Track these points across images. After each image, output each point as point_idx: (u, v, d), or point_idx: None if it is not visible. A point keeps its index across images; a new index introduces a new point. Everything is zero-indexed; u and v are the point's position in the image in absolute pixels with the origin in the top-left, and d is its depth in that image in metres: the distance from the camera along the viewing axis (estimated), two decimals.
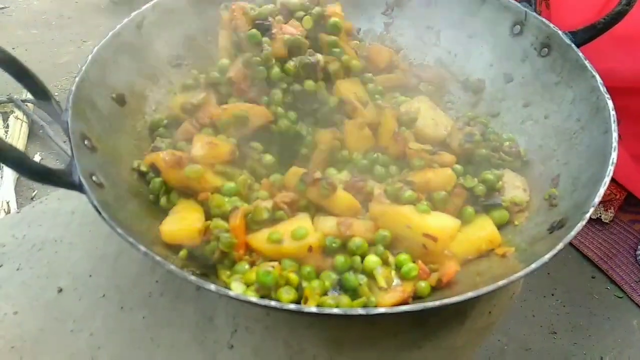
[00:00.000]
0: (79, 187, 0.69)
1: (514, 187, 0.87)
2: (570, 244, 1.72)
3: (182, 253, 0.75)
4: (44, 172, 0.65)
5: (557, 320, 1.65)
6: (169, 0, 1.03)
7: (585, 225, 1.73)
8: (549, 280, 1.72)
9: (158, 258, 0.62)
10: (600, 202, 1.71)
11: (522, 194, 0.87)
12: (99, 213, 0.66)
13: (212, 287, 0.60)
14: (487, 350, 1.55)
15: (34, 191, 1.97)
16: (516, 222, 0.85)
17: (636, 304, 1.67)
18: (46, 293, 0.92)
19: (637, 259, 1.72)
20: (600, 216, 1.79)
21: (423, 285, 0.71)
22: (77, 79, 0.83)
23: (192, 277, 0.61)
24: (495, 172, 0.88)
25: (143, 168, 0.86)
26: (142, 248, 0.63)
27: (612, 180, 1.67)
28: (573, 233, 0.66)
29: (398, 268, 0.73)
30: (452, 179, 0.84)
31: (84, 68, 0.85)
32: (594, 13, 0.93)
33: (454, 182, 0.84)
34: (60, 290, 0.92)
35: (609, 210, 1.78)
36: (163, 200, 0.83)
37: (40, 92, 0.75)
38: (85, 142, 0.78)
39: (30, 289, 0.92)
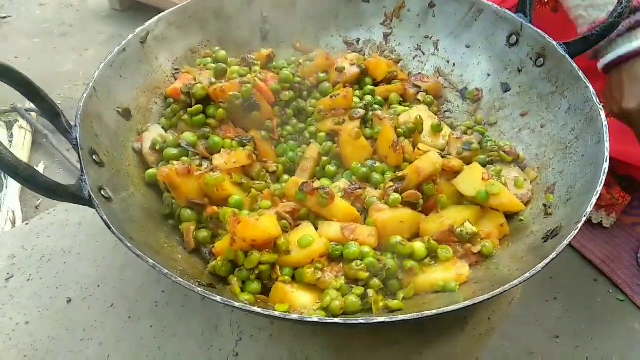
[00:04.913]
0: (88, 202, 0.72)
1: (513, 178, 0.91)
2: (573, 248, 1.75)
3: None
4: (55, 188, 0.68)
5: (559, 324, 1.66)
6: (172, 15, 1.06)
7: (587, 229, 1.73)
8: (552, 285, 1.73)
9: (165, 270, 0.64)
10: (603, 207, 1.73)
11: (523, 181, 0.91)
12: (109, 227, 0.68)
13: (218, 298, 0.62)
14: (491, 355, 1.57)
15: (38, 200, 2.00)
16: (521, 217, 0.88)
17: (638, 306, 1.68)
18: (56, 303, 0.94)
19: (639, 261, 1.73)
20: (601, 221, 1.80)
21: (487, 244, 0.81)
22: (84, 95, 0.85)
23: (199, 289, 0.63)
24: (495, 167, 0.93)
25: (137, 146, 0.92)
26: (150, 261, 0.65)
27: (617, 184, 1.65)
28: (566, 242, 0.68)
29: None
30: (438, 160, 0.87)
31: (91, 84, 0.87)
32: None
33: (440, 163, 0.87)
34: (69, 301, 0.94)
35: (610, 215, 1.78)
36: (184, 214, 0.86)
37: (49, 110, 0.78)
38: (94, 157, 0.81)
39: (41, 299, 0.95)
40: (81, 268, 0.99)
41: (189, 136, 0.92)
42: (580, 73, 0.90)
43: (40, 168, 2.11)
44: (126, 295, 0.94)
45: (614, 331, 1.64)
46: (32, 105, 2.23)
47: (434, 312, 0.61)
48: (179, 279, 0.64)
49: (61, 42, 2.75)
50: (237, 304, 0.62)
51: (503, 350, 1.59)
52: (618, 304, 1.71)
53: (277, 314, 0.61)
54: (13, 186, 1.98)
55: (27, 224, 1.08)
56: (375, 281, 0.77)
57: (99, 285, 0.96)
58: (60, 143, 2.13)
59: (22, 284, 0.97)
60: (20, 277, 0.98)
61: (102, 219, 0.70)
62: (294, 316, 0.61)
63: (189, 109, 0.95)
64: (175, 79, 1.05)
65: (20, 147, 2.12)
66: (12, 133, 2.17)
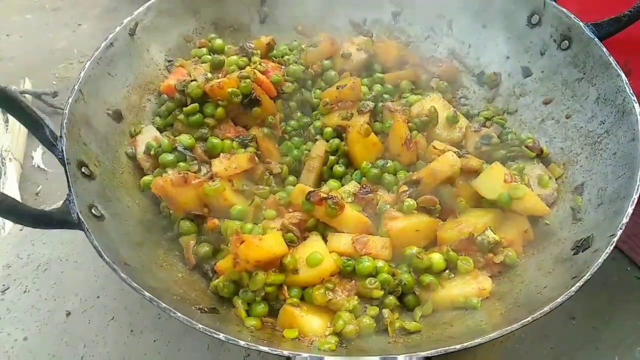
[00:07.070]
0: (78, 226, 0.66)
1: (537, 176, 0.84)
2: None
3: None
4: (40, 216, 0.63)
5: (575, 305, 1.61)
6: (162, 1, 0.97)
7: None
8: None
9: (164, 305, 0.59)
10: None
11: (547, 179, 0.84)
12: (101, 256, 0.63)
13: (222, 336, 0.57)
14: (504, 337, 1.53)
15: (38, 187, 1.95)
16: (547, 221, 0.82)
17: None
18: (55, 317, 0.90)
19: None
20: None
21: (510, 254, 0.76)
22: (69, 100, 0.78)
23: (200, 325, 0.58)
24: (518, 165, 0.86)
25: (130, 151, 0.87)
26: (147, 294, 0.60)
27: None
28: (600, 260, 0.63)
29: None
30: (456, 161, 0.79)
31: (76, 87, 0.80)
32: None
33: (458, 165, 0.79)
34: (68, 314, 0.90)
35: None
36: (184, 226, 0.80)
37: (31, 121, 0.72)
38: (83, 169, 0.74)
39: (39, 313, 0.90)
40: (79, 278, 0.94)
41: (185, 139, 0.85)
42: (611, 59, 0.82)
43: (37, 154, 2.05)
44: (127, 307, 0.90)
45: (632, 311, 1.59)
46: (27, 88, 2.15)
47: (458, 346, 0.56)
48: (178, 314, 0.59)
49: (53, 17, 2.64)
50: (242, 343, 0.57)
51: (517, 333, 1.55)
52: (636, 282, 1.66)
53: (286, 353, 0.56)
54: (12, 174, 1.92)
55: (21, 230, 1.03)
56: (391, 299, 0.71)
57: (98, 297, 0.92)
58: (57, 127, 2.07)
59: (19, 296, 0.93)
60: (16, 288, 0.94)
61: (93, 245, 0.64)
62: (305, 355, 0.56)
63: (184, 109, 0.88)
64: (169, 72, 0.97)
65: (17, 132, 2.05)
66: (7, 117, 2.09)
